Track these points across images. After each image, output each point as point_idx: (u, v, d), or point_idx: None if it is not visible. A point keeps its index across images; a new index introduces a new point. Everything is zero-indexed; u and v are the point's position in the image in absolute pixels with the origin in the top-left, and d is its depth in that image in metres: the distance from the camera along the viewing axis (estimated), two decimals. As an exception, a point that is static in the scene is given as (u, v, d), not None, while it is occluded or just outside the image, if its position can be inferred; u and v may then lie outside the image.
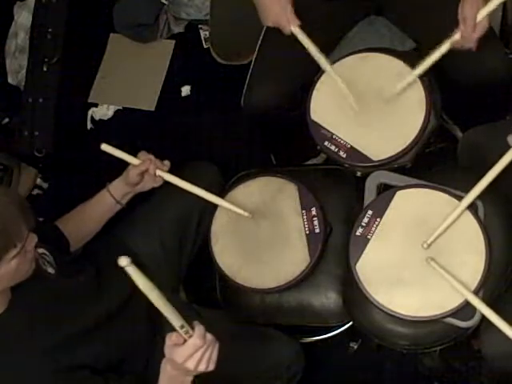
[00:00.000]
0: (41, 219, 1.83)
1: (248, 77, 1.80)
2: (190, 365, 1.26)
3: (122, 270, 1.20)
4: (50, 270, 1.44)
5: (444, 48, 1.53)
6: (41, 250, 1.44)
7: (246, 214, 1.64)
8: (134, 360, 1.54)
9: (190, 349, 1.25)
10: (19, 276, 1.31)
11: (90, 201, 1.67)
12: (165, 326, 1.61)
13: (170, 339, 1.26)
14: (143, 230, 1.73)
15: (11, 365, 1.31)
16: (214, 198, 1.66)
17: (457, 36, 1.51)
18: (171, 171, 1.65)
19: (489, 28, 1.51)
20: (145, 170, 1.62)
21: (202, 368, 1.27)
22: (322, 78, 1.67)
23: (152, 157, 1.63)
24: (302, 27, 1.63)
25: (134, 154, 1.65)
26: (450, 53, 1.54)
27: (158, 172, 1.63)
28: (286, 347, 1.68)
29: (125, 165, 1.66)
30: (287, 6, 1.62)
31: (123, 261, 1.15)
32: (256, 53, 1.82)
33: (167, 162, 1.65)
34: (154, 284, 1.19)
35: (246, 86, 1.80)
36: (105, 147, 1.64)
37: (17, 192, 1.29)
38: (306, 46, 1.62)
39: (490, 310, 1.38)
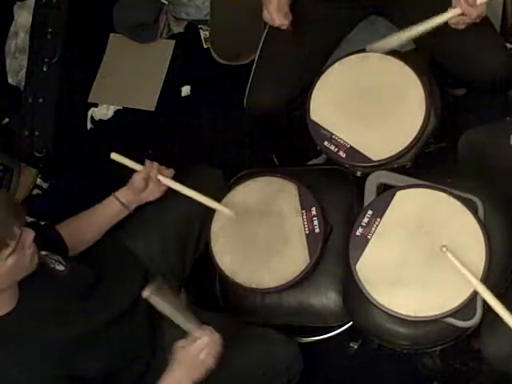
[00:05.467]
0: (41, 222, 1.83)
1: (250, 78, 1.81)
2: (201, 357, 1.41)
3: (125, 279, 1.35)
4: (59, 268, 1.45)
5: (439, 19, 1.53)
6: (44, 252, 1.44)
7: (232, 214, 1.65)
8: (134, 363, 1.54)
9: (199, 346, 1.42)
10: (22, 271, 1.31)
11: (96, 207, 1.66)
12: (165, 329, 1.63)
13: (182, 343, 1.44)
14: (144, 232, 1.73)
15: (23, 361, 1.30)
16: (211, 202, 1.66)
17: (456, 11, 1.51)
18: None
19: (491, 28, 1.51)
20: (148, 176, 1.63)
21: (208, 362, 1.42)
22: (322, 78, 1.67)
23: (155, 164, 1.64)
24: (301, 29, 1.63)
25: (136, 155, 1.66)
26: (451, 53, 1.54)
27: (159, 177, 1.64)
28: (285, 348, 1.67)
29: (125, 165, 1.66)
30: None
31: (145, 293, 1.36)
32: (258, 54, 1.82)
33: (171, 170, 1.67)
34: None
35: (248, 87, 1.80)
36: (114, 156, 1.65)
37: (3, 190, 1.32)
38: None
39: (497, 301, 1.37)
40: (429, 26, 1.54)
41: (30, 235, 1.30)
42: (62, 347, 1.35)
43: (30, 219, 1.47)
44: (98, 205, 1.66)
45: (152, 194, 1.67)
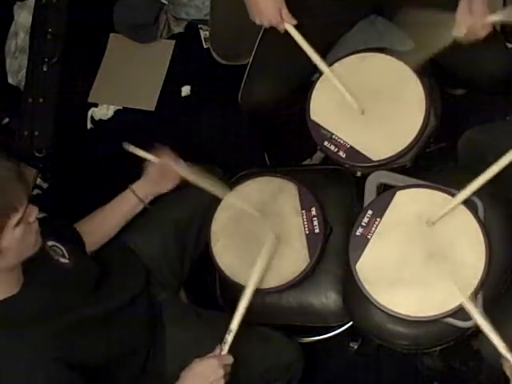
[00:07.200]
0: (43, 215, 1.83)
1: (246, 72, 1.81)
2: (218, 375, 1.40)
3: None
4: (63, 260, 1.45)
5: (446, 41, 1.52)
6: (51, 243, 1.45)
7: (256, 213, 1.63)
8: (132, 358, 1.54)
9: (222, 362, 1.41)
10: (26, 248, 1.30)
11: (113, 201, 1.66)
12: (166, 327, 1.63)
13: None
14: (145, 232, 1.73)
15: (23, 346, 1.30)
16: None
17: (462, 29, 1.49)
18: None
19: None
20: (165, 168, 1.62)
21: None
22: (322, 78, 1.67)
23: (170, 154, 1.63)
24: (300, 25, 1.63)
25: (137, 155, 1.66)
26: (450, 53, 1.54)
27: (178, 169, 1.63)
28: (285, 348, 1.68)
29: (125, 164, 1.66)
30: (281, 3, 1.61)
31: None
32: (255, 49, 1.82)
33: (180, 160, 1.65)
34: None
35: (243, 82, 1.80)
36: (127, 146, 1.64)
37: (15, 162, 1.33)
38: (301, 45, 1.62)
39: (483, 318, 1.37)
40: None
41: (34, 210, 1.30)
42: (61, 333, 1.36)
43: (41, 214, 1.46)
44: (113, 200, 1.66)
45: (166, 185, 1.66)
